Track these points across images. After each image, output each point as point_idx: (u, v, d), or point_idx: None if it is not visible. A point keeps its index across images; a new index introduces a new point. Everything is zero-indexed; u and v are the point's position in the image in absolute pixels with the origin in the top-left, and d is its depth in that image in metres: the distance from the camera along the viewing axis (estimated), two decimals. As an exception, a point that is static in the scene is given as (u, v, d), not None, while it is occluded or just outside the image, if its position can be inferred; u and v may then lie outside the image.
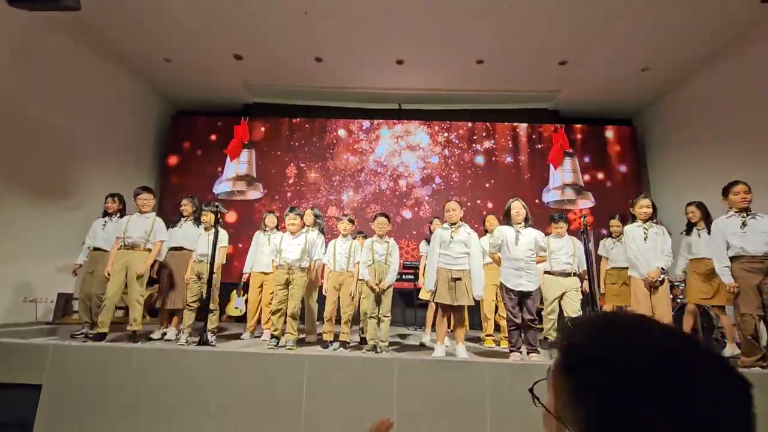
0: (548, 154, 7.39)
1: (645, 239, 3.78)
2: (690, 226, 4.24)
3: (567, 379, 0.47)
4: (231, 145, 7.43)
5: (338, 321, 4.15)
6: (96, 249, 4.47)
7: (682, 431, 0.38)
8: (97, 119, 6.39)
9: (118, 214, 4.56)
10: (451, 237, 3.75)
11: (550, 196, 7.34)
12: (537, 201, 7.30)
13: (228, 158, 7.50)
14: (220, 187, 7.51)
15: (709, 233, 3.90)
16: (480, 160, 7.62)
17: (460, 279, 3.65)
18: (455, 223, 3.80)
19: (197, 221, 4.56)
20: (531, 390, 0.56)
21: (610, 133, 7.66)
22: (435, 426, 2.77)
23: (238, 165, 7.58)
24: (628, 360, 0.42)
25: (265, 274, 4.62)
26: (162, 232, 4.20)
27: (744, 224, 3.45)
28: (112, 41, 6.19)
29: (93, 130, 6.33)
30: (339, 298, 4.13)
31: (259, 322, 4.79)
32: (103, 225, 4.56)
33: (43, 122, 5.49)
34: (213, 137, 7.79)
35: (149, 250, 4.12)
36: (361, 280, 4.11)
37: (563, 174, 7.37)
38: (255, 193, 7.55)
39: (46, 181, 5.61)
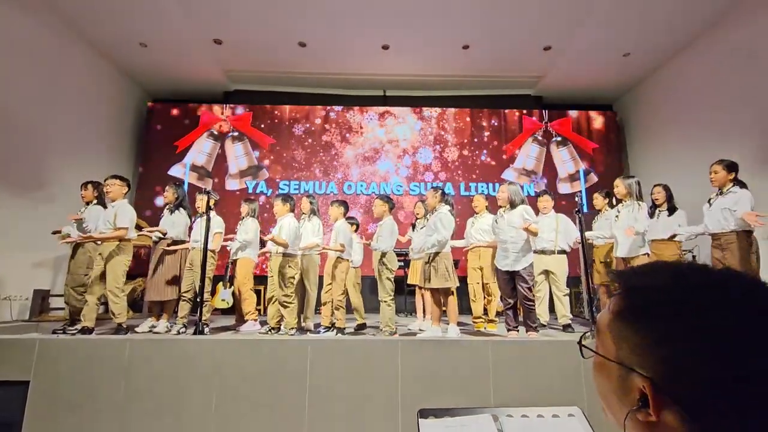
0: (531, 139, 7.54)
1: (617, 218, 3.92)
2: (653, 208, 4.21)
3: (634, 324, 0.48)
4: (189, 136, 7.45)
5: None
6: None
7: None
8: (68, 108, 6.07)
9: (95, 202, 4.35)
10: (423, 225, 3.97)
11: (563, 188, 7.54)
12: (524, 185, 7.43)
13: (200, 142, 7.42)
14: (230, 185, 7.39)
15: (669, 215, 4.06)
16: (466, 146, 7.66)
17: (428, 262, 3.77)
18: (431, 211, 3.93)
19: (178, 207, 4.39)
20: (579, 343, 0.58)
21: (591, 118, 7.84)
22: (439, 404, 2.79)
23: (238, 160, 7.47)
24: (686, 298, 0.45)
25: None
26: (123, 218, 3.89)
27: (710, 203, 3.61)
28: (83, 24, 5.85)
29: (65, 119, 6.01)
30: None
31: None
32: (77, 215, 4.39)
33: (9, 111, 5.16)
34: (191, 125, 7.54)
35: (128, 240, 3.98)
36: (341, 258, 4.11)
37: (565, 165, 7.63)
38: (260, 181, 7.47)
39: (15, 172, 5.30)
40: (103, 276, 3.82)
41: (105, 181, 4.10)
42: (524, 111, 7.83)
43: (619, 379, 0.49)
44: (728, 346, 0.41)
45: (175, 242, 4.29)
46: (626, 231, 3.73)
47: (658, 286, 0.48)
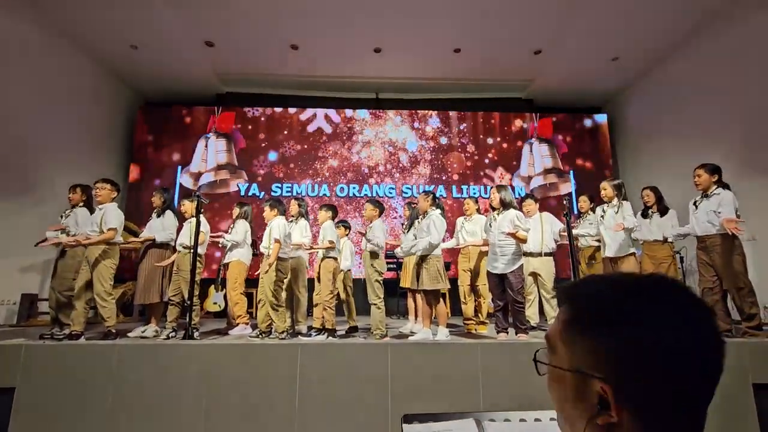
0: (523, 141, 7.61)
1: (602, 218, 3.97)
2: (645, 210, 4.24)
3: (585, 330, 0.50)
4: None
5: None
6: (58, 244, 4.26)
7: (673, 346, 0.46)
8: (58, 111, 6.01)
9: (81, 205, 4.30)
10: (415, 228, 4.02)
11: (533, 183, 7.58)
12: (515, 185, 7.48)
13: (200, 149, 7.36)
14: (202, 178, 7.32)
15: (661, 217, 4.10)
16: (457, 148, 7.70)
17: (419, 264, 3.79)
18: (423, 214, 3.94)
19: (165, 211, 4.37)
20: (535, 359, 0.60)
21: (582, 121, 7.92)
22: (429, 407, 2.80)
23: (217, 155, 7.40)
24: (620, 304, 0.49)
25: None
26: (112, 220, 3.86)
27: (696, 205, 3.66)
28: (74, 26, 5.80)
29: (55, 122, 5.95)
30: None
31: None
32: (61, 217, 4.33)
33: (-1, 113, 5.12)
34: (183, 128, 7.51)
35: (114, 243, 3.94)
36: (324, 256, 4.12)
37: (543, 160, 7.67)
38: (238, 182, 7.39)
39: (3, 175, 5.25)
40: (89, 282, 3.78)
41: (95, 184, 4.07)
42: (525, 114, 7.90)
43: (576, 386, 0.51)
44: (662, 346, 0.46)
45: (163, 245, 4.26)
46: (614, 227, 3.79)
47: (602, 294, 0.51)
